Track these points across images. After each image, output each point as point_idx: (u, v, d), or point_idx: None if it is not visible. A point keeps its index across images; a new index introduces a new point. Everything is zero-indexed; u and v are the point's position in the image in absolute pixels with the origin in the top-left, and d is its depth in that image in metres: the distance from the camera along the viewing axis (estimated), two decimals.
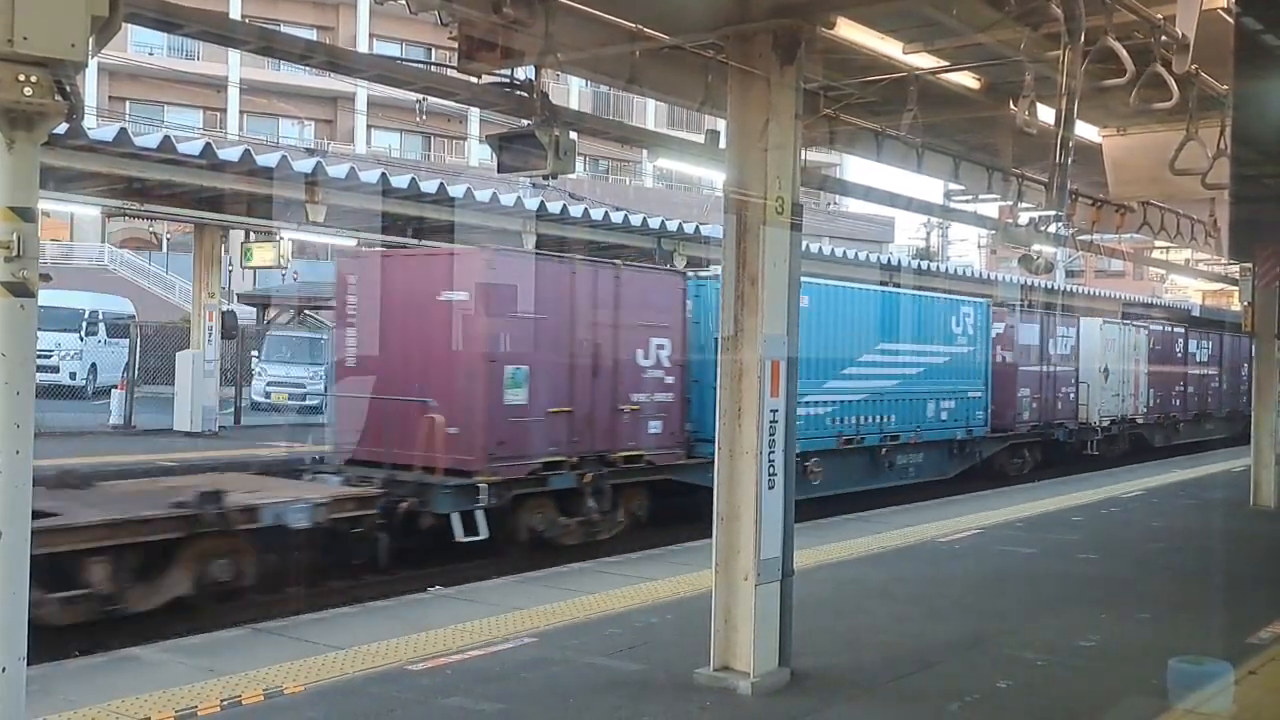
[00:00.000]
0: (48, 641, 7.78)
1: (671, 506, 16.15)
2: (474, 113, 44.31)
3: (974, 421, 22.22)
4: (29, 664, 4.46)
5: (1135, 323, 30.69)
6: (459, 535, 13.43)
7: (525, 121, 7.94)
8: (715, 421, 7.85)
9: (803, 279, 8.10)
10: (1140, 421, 29.58)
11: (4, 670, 4.29)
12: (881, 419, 19.66)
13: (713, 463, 7.82)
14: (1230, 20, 7.51)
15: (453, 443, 13.92)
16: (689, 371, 16.28)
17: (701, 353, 16.00)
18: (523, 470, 14.26)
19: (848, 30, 8.42)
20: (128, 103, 47.57)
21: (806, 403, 16.47)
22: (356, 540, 12.72)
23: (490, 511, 13.65)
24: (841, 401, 18.55)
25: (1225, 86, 9.07)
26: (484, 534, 13.55)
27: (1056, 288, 33.09)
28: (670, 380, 16.00)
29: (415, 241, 18.01)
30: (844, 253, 24.46)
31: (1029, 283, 28.67)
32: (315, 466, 15.31)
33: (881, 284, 24.17)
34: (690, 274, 17.13)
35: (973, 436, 22.31)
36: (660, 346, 15.83)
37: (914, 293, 22.19)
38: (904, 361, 20.13)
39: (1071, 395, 26.67)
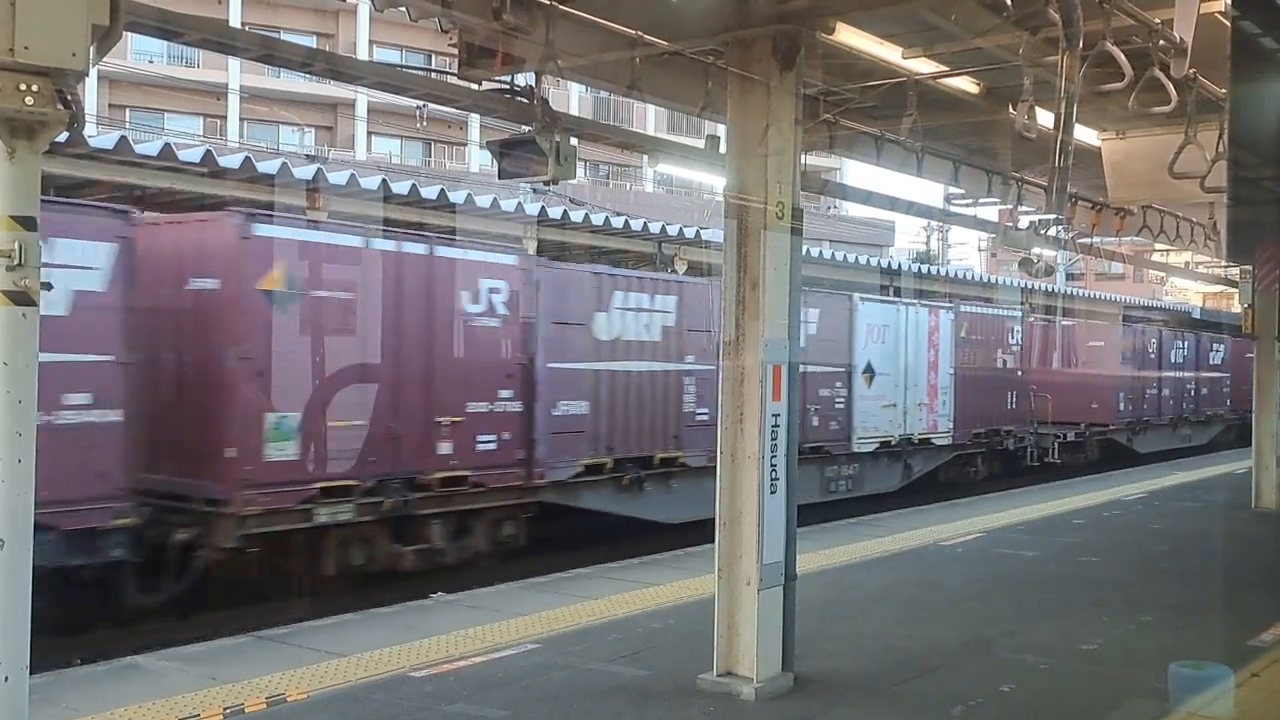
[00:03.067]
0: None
1: None
2: (474, 119, 44.27)
3: None
4: (32, 672, 4.47)
5: None
6: None
7: (526, 127, 7.94)
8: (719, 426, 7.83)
9: None
10: None
11: (7, 679, 4.29)
12: None
13: None
14: (1227, 24, 7.53)
15: None
16: None
17: None
18: None
19: (847, 35, 8.43)
20: (128, 110, 47.58)
21: None
22: None
23: None
24: None
25: (1223, 90, 9.07)
26: None
27: (1057, 291, 33.09)
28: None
29: None
30: (845, 256, 24.41)
31: (1030, 286, 28.60)
32: None
33: (883, 288, 24.19)
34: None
35: None
36: None
37: None
38: None
39: None
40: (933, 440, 21.84)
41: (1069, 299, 34.09)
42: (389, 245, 13.06)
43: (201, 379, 11.71)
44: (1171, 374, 32.18)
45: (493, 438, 13.77)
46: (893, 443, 20.75)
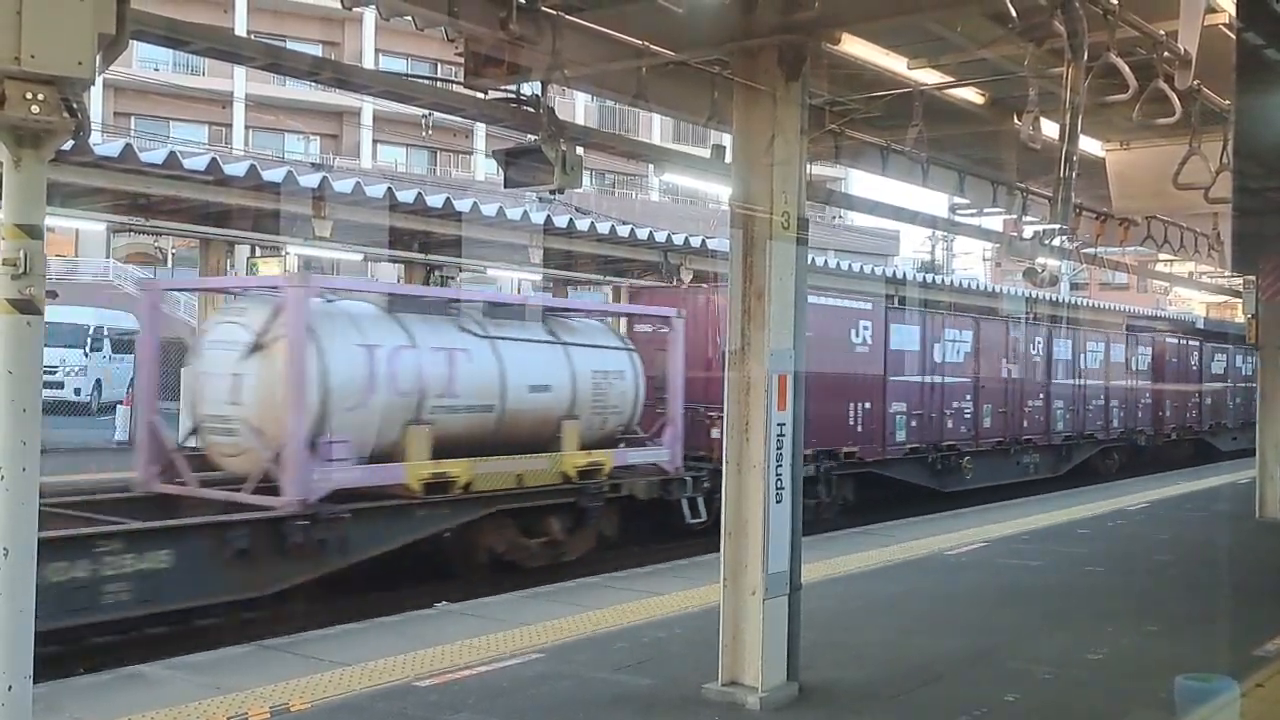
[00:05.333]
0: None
1: None
2: (480, 128, 44.34)
3: None
4: (35, 681, 4.46)
5: None
6: None
7: (532, 136, 7.95)
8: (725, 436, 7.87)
9: None
10: None
11: (10, 688, 4.28)
12: None
13: None
14: (1232, 36, 7.53)
15: None
16: None
17: None
18: None
19: (852, 46, 8.42)
20: (133, 118, 47.70)
21: None
22: None
23: None
24: None
25: (1227, 101, 9.06)
26: None
27: (1061, 300, 33.14)
28: None
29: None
30: (849, 266, 24.47)
31: (1034, 295, 28.70)
32: None
33: (888, 297, 24.31)
34: None
35: None
36: None
37: None
38: None
39: None
40: None
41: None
42: None
43: None
44: None
45: None
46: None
